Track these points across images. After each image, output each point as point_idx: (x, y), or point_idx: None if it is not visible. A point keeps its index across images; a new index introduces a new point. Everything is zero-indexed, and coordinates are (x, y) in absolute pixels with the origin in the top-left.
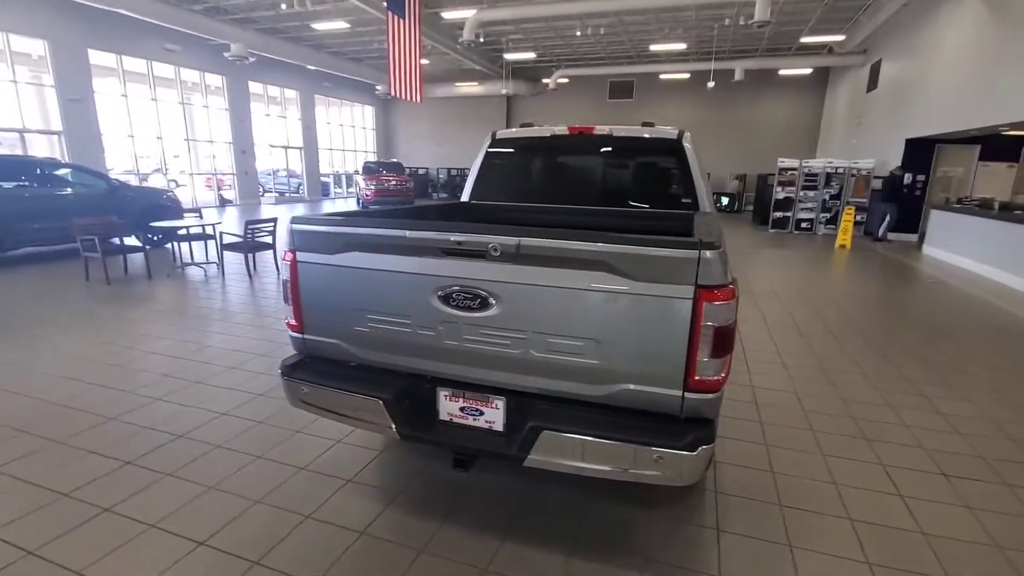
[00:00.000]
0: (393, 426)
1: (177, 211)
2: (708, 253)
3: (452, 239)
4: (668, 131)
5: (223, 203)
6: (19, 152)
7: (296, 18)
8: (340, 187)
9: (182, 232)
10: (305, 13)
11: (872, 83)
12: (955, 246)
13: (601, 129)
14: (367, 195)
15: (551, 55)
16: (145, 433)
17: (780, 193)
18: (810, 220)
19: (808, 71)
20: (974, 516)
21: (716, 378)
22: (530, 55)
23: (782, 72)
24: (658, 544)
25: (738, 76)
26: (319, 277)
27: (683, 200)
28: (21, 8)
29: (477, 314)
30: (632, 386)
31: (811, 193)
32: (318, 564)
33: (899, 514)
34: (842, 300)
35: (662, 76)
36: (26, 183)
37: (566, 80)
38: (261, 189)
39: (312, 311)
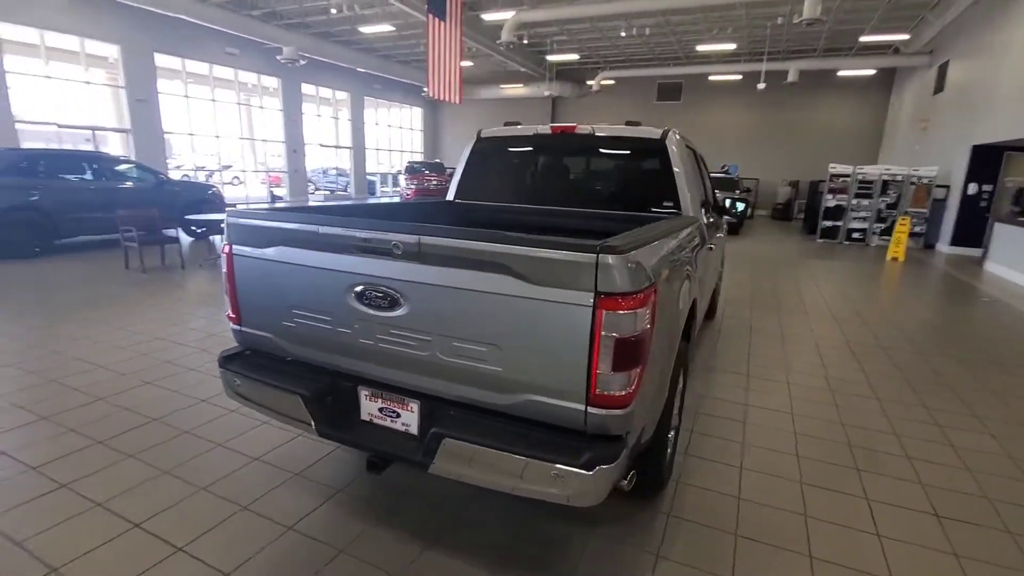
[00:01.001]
0: (312, 423)
1: (220, 205)
2: (610, 258)
3: (359, 236)
4: (652, 131)
5: (274, 199)
6: (90, 148)
7: (345, 22)
8: (386, 186)
9: (222, 225)
10: (354, 17)
11: (939, 86)
12: (1022, 264)
13: (583, 128)
14: (408, 194)
15: (596, 56)
16: (123, 414)
17: (831, 201)
18: (862, 230)
19: (870, 72)
20: (959, 565)
21: (620, 393)
22: (574, 56)
23: (841, 73)
24: (588, 564)
25: (791, 77)
26: (251, 270)
27: (665, 203)
28: (98, 15)
29: (387, 313)
30: (535, 397)
31: (865, 202)
32: (237, 556)
33: (870, 556)
34: (877, 316)
35: (711, 77)
36: (80, 176)
37: (612, 81)
38: (311, 187)
39: (247, 304)
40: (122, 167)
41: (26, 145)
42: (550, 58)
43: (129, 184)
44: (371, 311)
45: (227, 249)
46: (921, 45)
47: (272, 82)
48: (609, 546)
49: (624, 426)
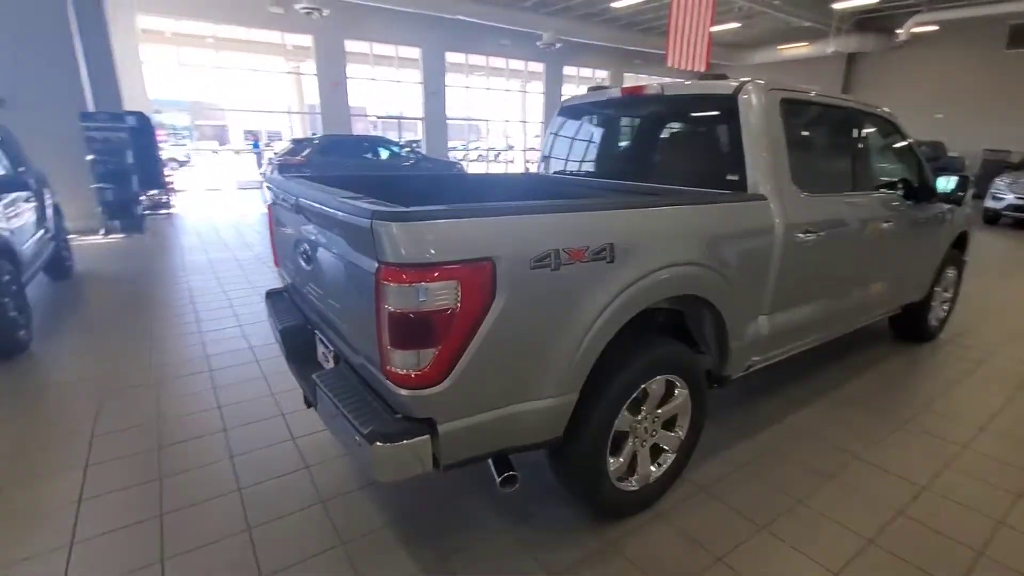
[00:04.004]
0: (283, 352)
1: None
2: (392, 226)
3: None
4: (723, 85)
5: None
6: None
7: (599, 2)
8: None
9: None
10: None
11: None
12: None
13: (652, 88)
14: None
15: None
16: None
17: None
18: None
19: None
20: None
21: (406, 373)
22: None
23: None
24: None
25: None
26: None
27: (728, 177)
28: (405, 25)
29: (308, 268)
30: (366, 363)
31: None
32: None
33: None
34: None
35: None
36: (363, 155)
37: (932, 27)
38: None
39: (278, 250)
40: (393, 148)
41: (356, 130)
42: (837, 6)
43: (393, 160)
44: (305, 266)
45: (267, 209)
46: None
47: (537, 67)
48: None
49: (426, 410)
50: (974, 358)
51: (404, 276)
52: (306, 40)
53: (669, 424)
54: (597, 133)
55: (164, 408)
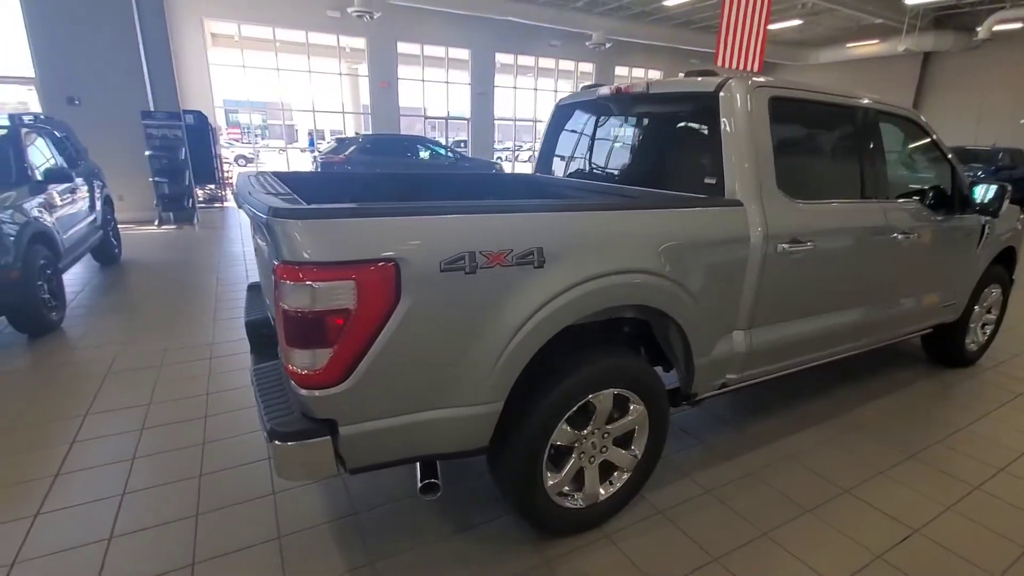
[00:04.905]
0: (249, 345)
1: None
2: (287, 222)
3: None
4: (706, 82)
5: None
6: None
7: (652, 1)
8: None
9: None
10: None
11: None
12: None
13: (637, 86)
14: None
15: None
16: None
17: None
18: None
19: None
20: None
21: (303, 372)
22: None
23: None
24: None
25: None
26: None
27: (706, 180)
28: (456, 27)
29: (259, 261)
30: (281, 360)
31: None
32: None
33: None
34: None
35: None
36: (404, 155)
37: (1016, 26)
38: None
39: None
40: (432, 147)
41: (413, 131)
42: (910, 1)
43: (433, 160)
44: (259, 259)
45: None
46: None
47: (587, 67)
48: None
49: (325, 411)
50: (1014, 389)
51: (299, 274)
52: (361, 43)
53: (623, 441)
54: (586, 133)
55: (158, 393)
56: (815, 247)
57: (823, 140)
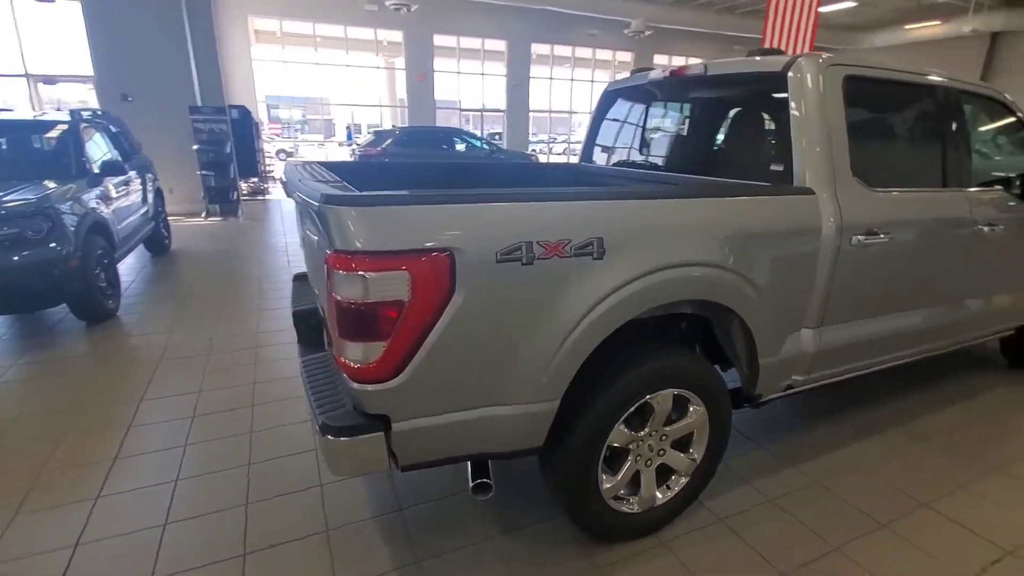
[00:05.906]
0: (297, 336)
1: None
2: (340, 209)
3: None
4: (772, 61)
5: None
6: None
7: None
8: None
9: None
10: None
11: None
12: None
13: (693, 68)
14: None
15: None
16: None
17: None
18: None
19: None
20: None
21: (355, 365)
22: None
23: None
24: None
25: None
26: None
27: (772, 167)
28: (492, 18)
29: (306, 251)
30: (332, 352)
31: None
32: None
33: None
34: None
35: None
36: (441, 146)
37: None
38: None
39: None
40: (468, 139)
41: (451, 123)
42: None
43: (469, 151)
44: (307, 249)
45: None
46: None
47: (626, 56)
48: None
49: (378, 406)
50: None
51: (352, 264)
52: (397, 36)
53: (682, 444)
54: (638, 120)
55: (207, 381)
56: (892, 239)
57: (901, 123)
